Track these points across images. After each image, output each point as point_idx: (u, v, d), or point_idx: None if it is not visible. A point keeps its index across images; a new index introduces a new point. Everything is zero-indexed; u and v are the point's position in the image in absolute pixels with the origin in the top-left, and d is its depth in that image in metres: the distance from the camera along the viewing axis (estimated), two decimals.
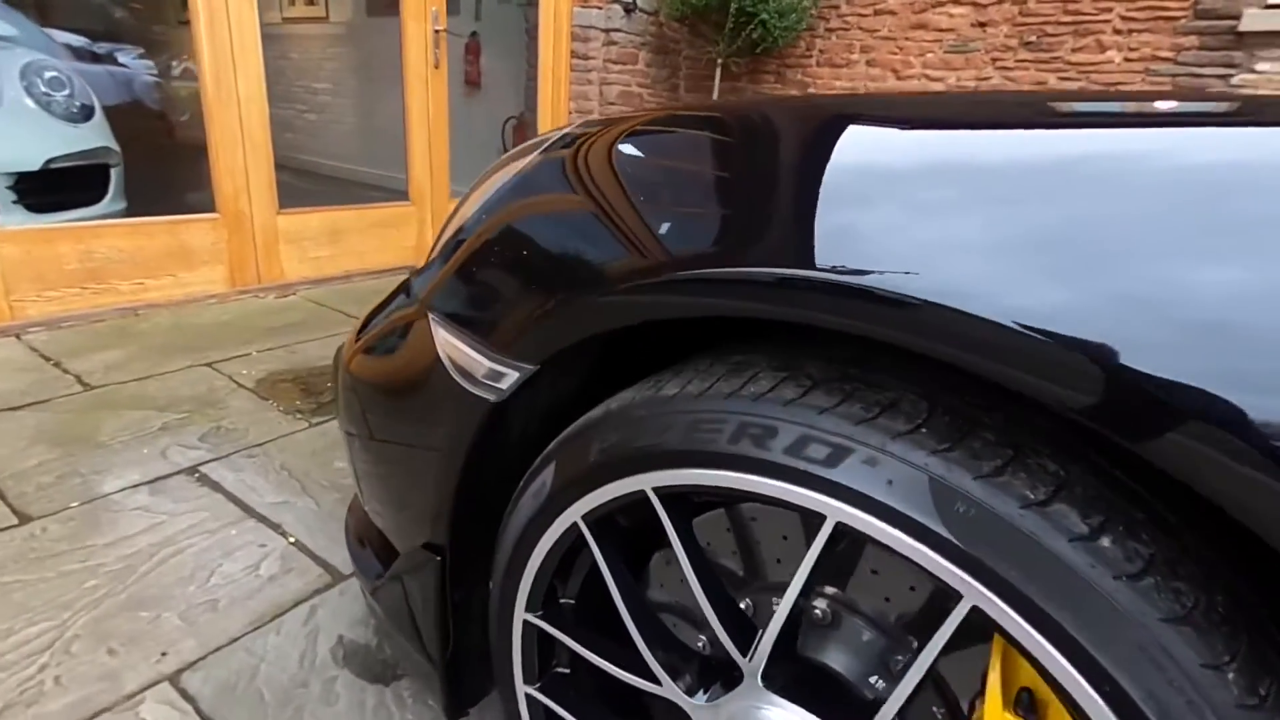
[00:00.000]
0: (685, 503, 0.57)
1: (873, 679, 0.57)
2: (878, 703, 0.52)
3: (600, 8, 3.92)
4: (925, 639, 0.46)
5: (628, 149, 0.60)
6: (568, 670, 0.75)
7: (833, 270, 0.42)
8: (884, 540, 0.44)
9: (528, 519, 0.65)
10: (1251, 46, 2.94)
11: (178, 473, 1.58)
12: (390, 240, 3.42)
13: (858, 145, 0.50)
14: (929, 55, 3.71)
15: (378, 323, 0.90)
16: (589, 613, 0.71)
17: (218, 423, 1.82)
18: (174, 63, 4.33)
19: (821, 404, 0.47)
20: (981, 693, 0.52)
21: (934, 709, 0.53)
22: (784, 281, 0.44)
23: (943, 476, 0.42)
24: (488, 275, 0.66)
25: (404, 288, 0.99)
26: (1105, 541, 0.39)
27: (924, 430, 0.44)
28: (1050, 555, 0.39)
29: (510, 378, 0.63)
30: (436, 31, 3.35)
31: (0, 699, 0.99)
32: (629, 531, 0.64)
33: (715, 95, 4.16)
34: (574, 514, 0.61)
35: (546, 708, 0.73)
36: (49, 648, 1.08)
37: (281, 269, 3.01)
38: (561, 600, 0.70)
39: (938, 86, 3.72)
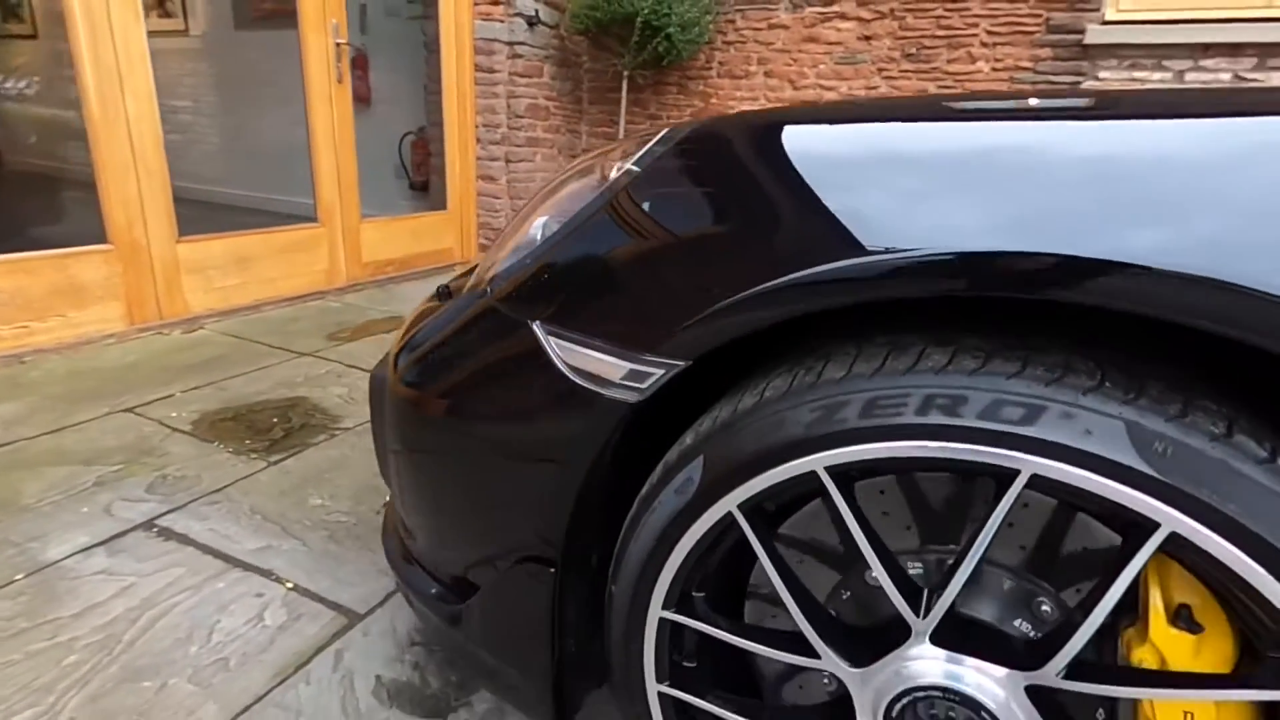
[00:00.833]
0: (847, 479, 0.60)
1: (1017, 622, 0.63)
2: (1037, 643, 0.58)
3: (503, 21, 3.89)
4: (1089, 578, 0.52)
5: (806, 137, 0.62)
6: (694, 663, 0.76)
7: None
8: (1080, 484, 0.50)
9: (670, 515, 0.66)
10: (1095, 57, 3.37)
11: (133, 529, 1.43)
12: (300, 265, 3.22)
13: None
14: (821, 66, 3.96)
15: (430, 338, 0.87)
16: (720, 602, 0.73)
17: (161, 471, 1.66)
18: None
19: (1006, 370, 0.52)
20: (1133, 619, 0.59)
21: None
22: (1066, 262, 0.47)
23: (1138, 421, 0.48)
24: (623, 279, 0.67)
25: (442, 295, 0.96)
26: (1271, 467, 0.46)
27: (1107, 384, 0.50)
28: (1243, 477, 0.46)
29: (653, 376, 0.63)
30: (338, 45, 3.21)
31: None
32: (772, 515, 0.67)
33: (623, 106, 4.23)
34: (727, 504, 0.63)
35: (678, 702, 0.73)
36: None
37: (185, 302, 2.76)
38: (694, 594, 0.72)
39: (831, 95, 3.99)
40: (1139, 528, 0.50)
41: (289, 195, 3.65)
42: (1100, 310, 0.49)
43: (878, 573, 0.59)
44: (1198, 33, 3.15)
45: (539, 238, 0.82)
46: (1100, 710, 0.62)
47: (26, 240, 2.53)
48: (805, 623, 0.64)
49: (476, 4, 3.87)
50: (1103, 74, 3.38)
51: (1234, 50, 3.14)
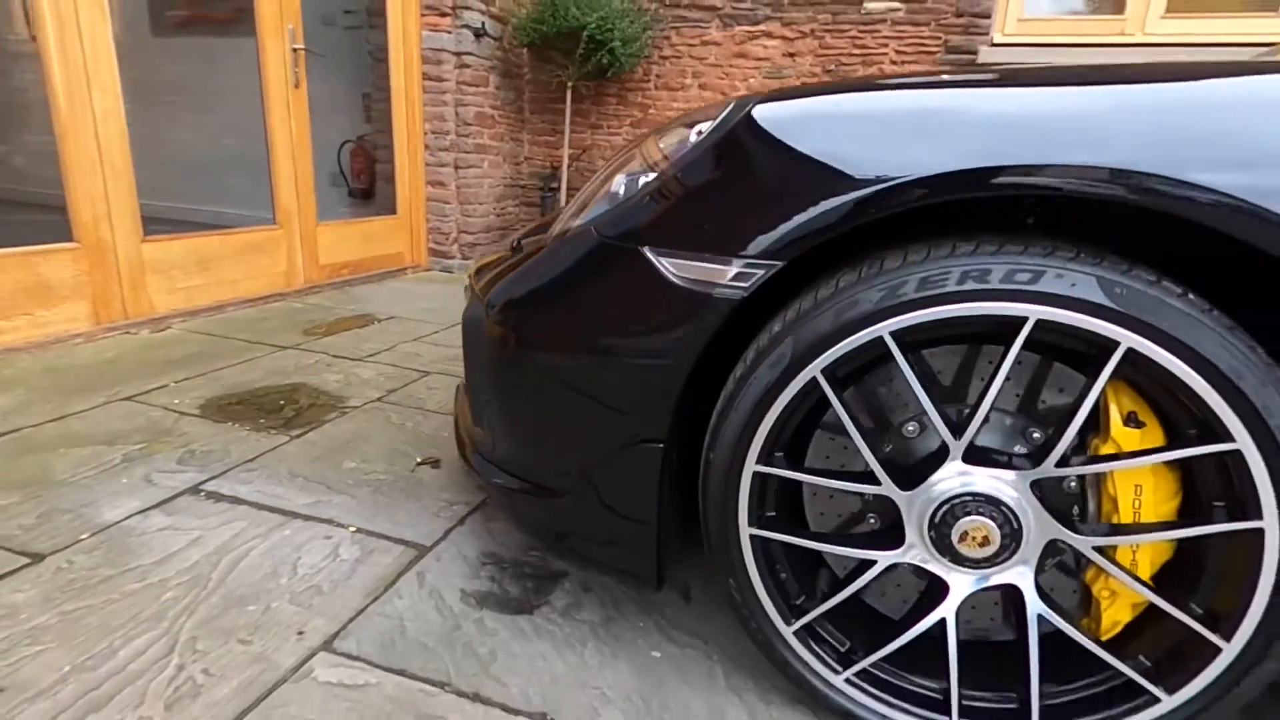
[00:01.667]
0: (901, 343, 0.83)
1: (1017, 447, 0.88)
2: (1043, 447, 0.82)
3: (450, 32, 4.02)
4: (1074, 395, 0.77)
5: (849, 101, 0.85)
6: (774, 512, 0.97)
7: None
8: (1065, 322, 0.74)
9: (766, 386, 0.87)
10: None
11: (180, 494, 1.49)
12: (260, 267, 3.23)
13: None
14: (751, 80, 4.31)
15: (533, 278, 1.04)
16: (794, 455, 0.95)
17: (187, 448, 1.71)
18: None
19: (1015, 250, 0.77)
20: (1095, 430, 0.85)
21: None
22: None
23: (1104, 275, 0.73)
24: (723, 208, 0.87)
25: (515, 249, 1.14)
26: (1190, 296, 0.73)
27: (1082, 255, 0.75)
28: (1169, 306, 0.72)
29: (756, 275, 0.84)
30: (295, 50, 3.26)
31: (157, 701, 0.96)
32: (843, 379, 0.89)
33: (568, 116, 4.44)
34: (812, 370, 0.85)
35: (764, 540, 0.94)
36: (171, 651, 1.05)
37: (150, 302, 2.73)
38: (775, 453, 0.92)
39: None
40: (1105, 350, 0.75)
41: (206, 205, 3.61)
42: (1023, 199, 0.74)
43: (927, 407, 0.82)
44: (1075, 56, 3.68)
45: (621, 193, 1.01)
46: (1070, 482, 0.87)
47: None
48: (871, 457, 0.86)
49: (424, 15, 3.98)
50: None
51: None
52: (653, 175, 0.96)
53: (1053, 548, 0.89)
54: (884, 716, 0.93)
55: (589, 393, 0.98)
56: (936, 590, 0.91)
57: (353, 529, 1.40)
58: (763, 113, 0.87)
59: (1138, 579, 0.82)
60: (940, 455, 0.86)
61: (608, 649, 1.11)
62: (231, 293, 3.09)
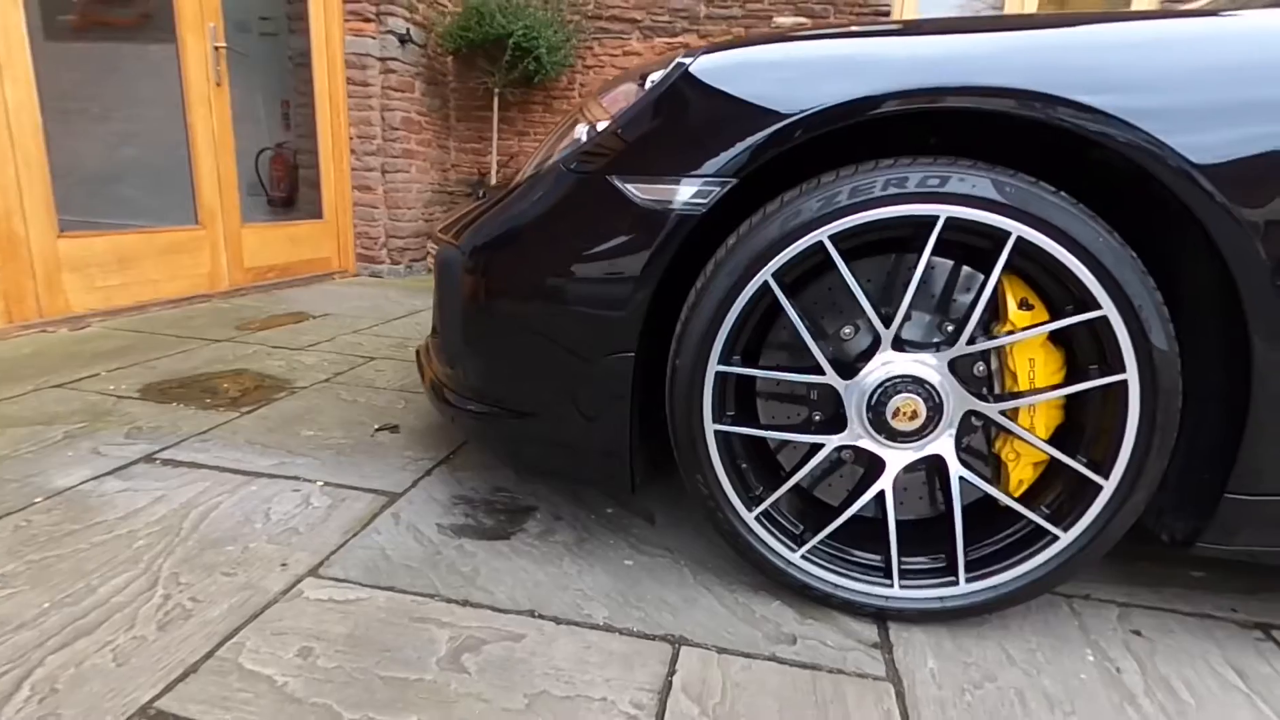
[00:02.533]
0: (838, 248, 0.97)
1: (936, 338, 1.04)
2: (956, 331, 0.98)
3: (374, 37, 4.05)
4: (978, 277, 0.93)
5: (781, 48, 0.99)
6: (734, 411, 1.09)
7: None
8: (968, 218, 0.90)
9: (723, 292, 0.99)
10: None
11: (134, 462, 1.48)
12: (183, 268, 3.14)
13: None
14: None
15: (505, 214, 1.13)
16: (751, 358, 1.07)
17: (133, 424, 1.68)
18: None
19: (926, 163, 0.92)
20: (995, 317, 1.01)
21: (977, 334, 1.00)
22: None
23: (996, 178, 0.90)
24: (681, 136, 0.99)
25: (477, 192, 1.23)
26: (1063, 193, 0.90)
27: (979, 164, 0.91)
28: (1046, 200, 0.89)
29: (712, 194, 0.97)
30: (216, 48, 3.21)
31: (149, 623, 0.97)
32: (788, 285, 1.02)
33: (495, 123, 4.52)
34: (763, 275, 0.98)
35: (727, 435, 1.06)
36: (155, 585, 1.06)
37: (67, 300, 2.62)
38: (734, 355, 1.05)
39: None
40: (999, 242, 0.91)
41: (107, 219, 3.48)
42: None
43: (861, 300, 0.97)
44: None
45: (584, 138, 1.12)
46: (979, 365, 1.03)
47: None
48: (816, 349, 0.99)
49: (347, 20, 3.99)
50: None
51: None
52: (607, 122, 1.07)
53: (968, 425, 1.05)
54: (835, 585, 1.05)
55: (564, 314, 1.08)
56: (874, 471, 1.05)
57: (320, 483, 1.43)
58: (704, 62, 1.00)
59: (1036, 438, 0.98)
60: (873, 348, 1.00)
61: (584, 561, 1.19)
62: (153, 293, 2.99)
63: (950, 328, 1.03)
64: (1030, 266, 0.96)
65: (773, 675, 0.93)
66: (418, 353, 1.58)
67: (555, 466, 1.24)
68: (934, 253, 0.95)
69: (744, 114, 0.96)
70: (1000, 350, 1.01)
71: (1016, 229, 0.90)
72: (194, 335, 2.56)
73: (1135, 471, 0.94)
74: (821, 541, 1.06)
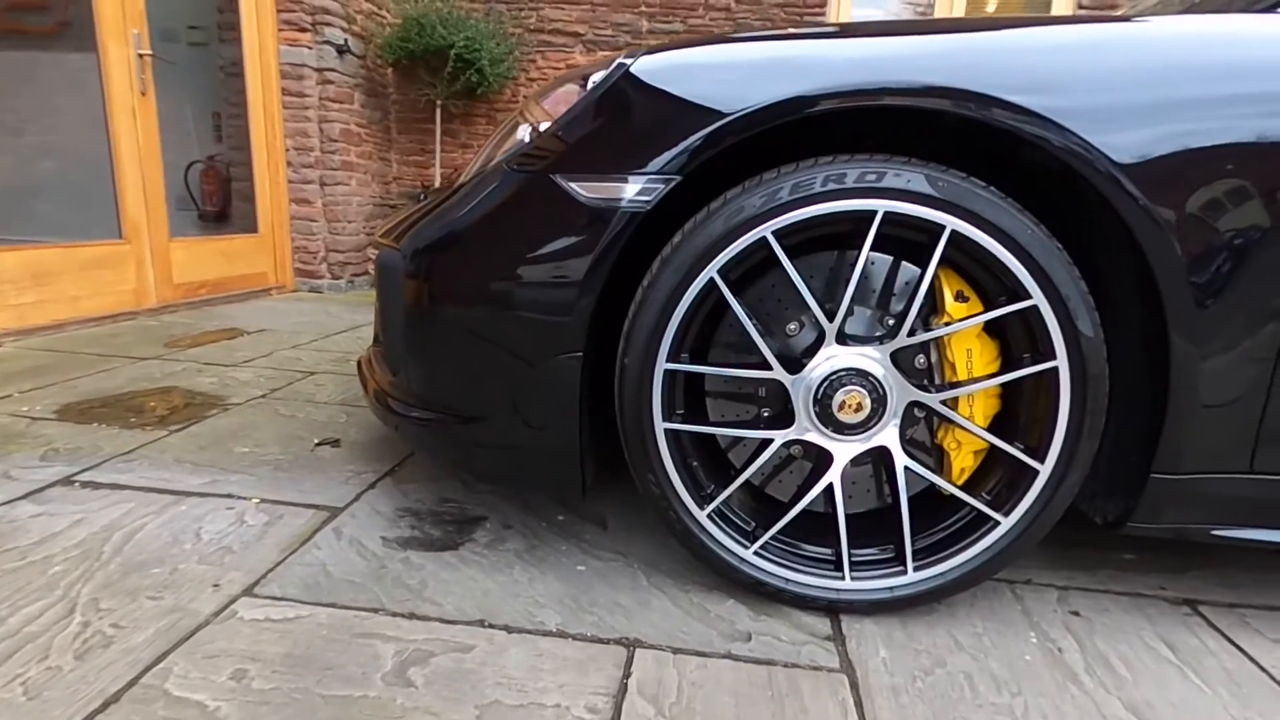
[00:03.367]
0: (782, 245, 0.98)
1: (878, 332, 1.06)
2: (897, 324, 1.00)
3: (310, 47, 3.96)
4: (917, 270, 0.95)
5: (717, 50, 1.00)
6: (683, 410, 1.09)
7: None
8: (904, 212, 0.93)
9: (670, 289, 0.99)
10: None
11: (50, 485, 1.38)
12: (106, 284, 2.98)
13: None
14: None
15: (447, 218, 1.11)
16: (700, 357, 1.07)
17: (49, 446, 1.58)
18: None
19: (863, 158, 0.94)
20: (934, 310, 1.04)
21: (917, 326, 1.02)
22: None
23: (930, 173, 0.92)
24: (623, 135, 0.99)
25: (419, 197, 1.21)
26: (993, 188, 0.93)
27: (912, 161, 0.94)
28: (978, 195, 0.92)
29: (657, 190, 0.97)
30: (141, 56, 3.08)
31: (64, 653, 0.91)
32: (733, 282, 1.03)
33: (438, 135, 4.46)
34: (709, 272, 0.98)
35: (676, 433, 1.05)
36: (72, 612, 0.99)
37: None
38: (682, 354, 1.05)
39: None
40: (934, 236, 0.94)
41: (15, 234, 3.28)
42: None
43: (805, 295, 0.98)
44: None
45: (527, 139, 1.11)
46: (920, 357, 1.06)
47: None
48: (764, 346, 1.00)
49: (282, 30, 3.89)
50: None
51: None
52: (550, 123, 1.06)
53: (911, 416, 1.07)
54: (787, 580, 1.06)
55: (509, 315, 1.06)
56: (823, 465, 1.06)
57: (256, 500, 1.36)
58: (644, 63, 1.01)
59: (976, 426, 1.01)
60: (818, 343, 1.01)
61: (535, 568, 1.17)
62: (72, 311, 2.82)
63: (891, 321, 1.06)
64: (964, 260, 0.99)
65: (728, 673, 0.93)
66: (359, 364, 1.54)
67: (504, 472, 1.21)
68: (874, 248, 0.98)
69: (685, 112, 0.97)
70: (939, 341, 1.04)
71: (950, 223, 0.93)
72: (118, 353, 2.42)
73: (1069, 455, 0.97)
74: (773, 537, 1.07)
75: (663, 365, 1.02)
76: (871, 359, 1.01)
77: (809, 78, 0.93)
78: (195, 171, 4.84)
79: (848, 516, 1.05)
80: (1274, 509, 0.98)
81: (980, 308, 1.01)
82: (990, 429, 1.03)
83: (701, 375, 1.15)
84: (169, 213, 3.55)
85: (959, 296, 1.01)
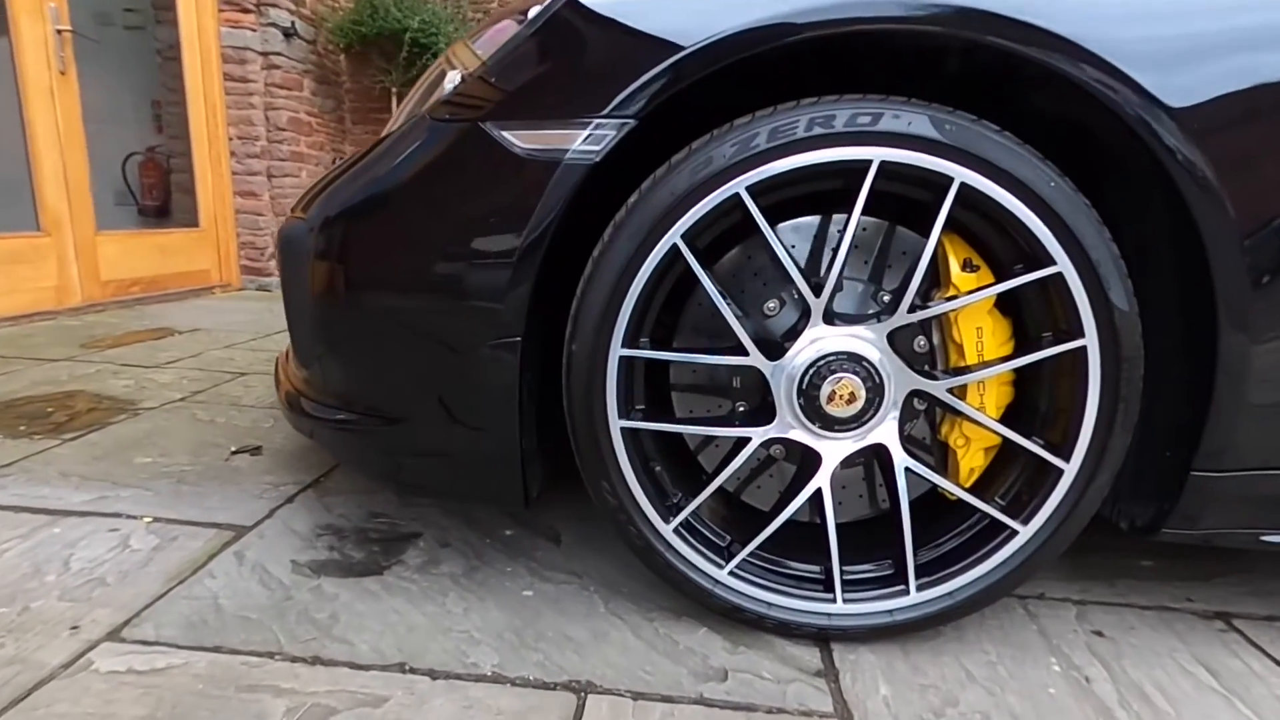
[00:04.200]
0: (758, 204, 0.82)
1: (873, 309, 0.90)
2: (894, 299, 0.85)
3: (254, 29, 3.72)
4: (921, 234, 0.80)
5: None
6: (644, 406, 0.92)
7: None
8: (905, 161, 0.77)
9: (625, 259, 0.82)
10: None
11: None
12: (22, 280, 2.72)
13: None
14: None
15: (361, 181, 0.93)
16: (662, 344, 0.90)
17: None
18: None
19: (854, 97, 0.78)
20: (935, 283, 0.89)
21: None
22: None
23: (934, 114, 0.77)
24: (572, 67, 0.82)
25: (353, 162, 1.03)
26: (1009, 134, 0.78)
27: (914, 100, 0.78)
28: (990, 139, 0.76)
29: (607, 138, 0.80)
30: (59, 32, 2.83)
31: None
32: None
33: None
34: (672, 237, 0.81)
35: (635, 433, 0.88)
36: None
37: None
38: (641, 338, 0.88)
39: None
40: (939, 191, 0.78)
41: None
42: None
43: (789, 268, 0.82)
44: None
45: (449, 88, 0.94)
46: (920, 339, 0.90)
47: None
48: (739, 326, 0.84)
49: (222, 10, 3.65)
50: None
51: None
52: (479, 64, 0.89)
53: (911, 408, 0.91)
54: (770, 604, 0.89)
55: (434, 293, 0.88)
56: (809, 467, 0.90)
57: (148, 519, 1.16)
58: None
59: (989, 419, 0.86)
60: (802, 323, 0.85)
61: (473, 595, 0.99)
62: None
63: (887, 297, 0.90)
64: (974, 221, 0.84)
65: None
66: (277, 362, 1.34)
67: (435, 482, 1.03)
68: (865, 211, 0.82)
69: (639, 44, 0.80)
70: (944, 320, 0.88)
71: (960, 174, 0.77)
72: (25, 355, 2.19)
73: (1099, 451, 0.82)
74: (752, 554, 0.90)
75: (617, 352, 0.85)
76: (865, 341, 0.85)
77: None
78: (134, 164, 4.56)
79: (839, 526, 0.89)
80: None
81: (991, 279, 0.86)
82: (1004, 421, 0.88)
83: (665, 364, 0.99)
84: (98, 204, 3.30)
85: (966, 265, 0.86)
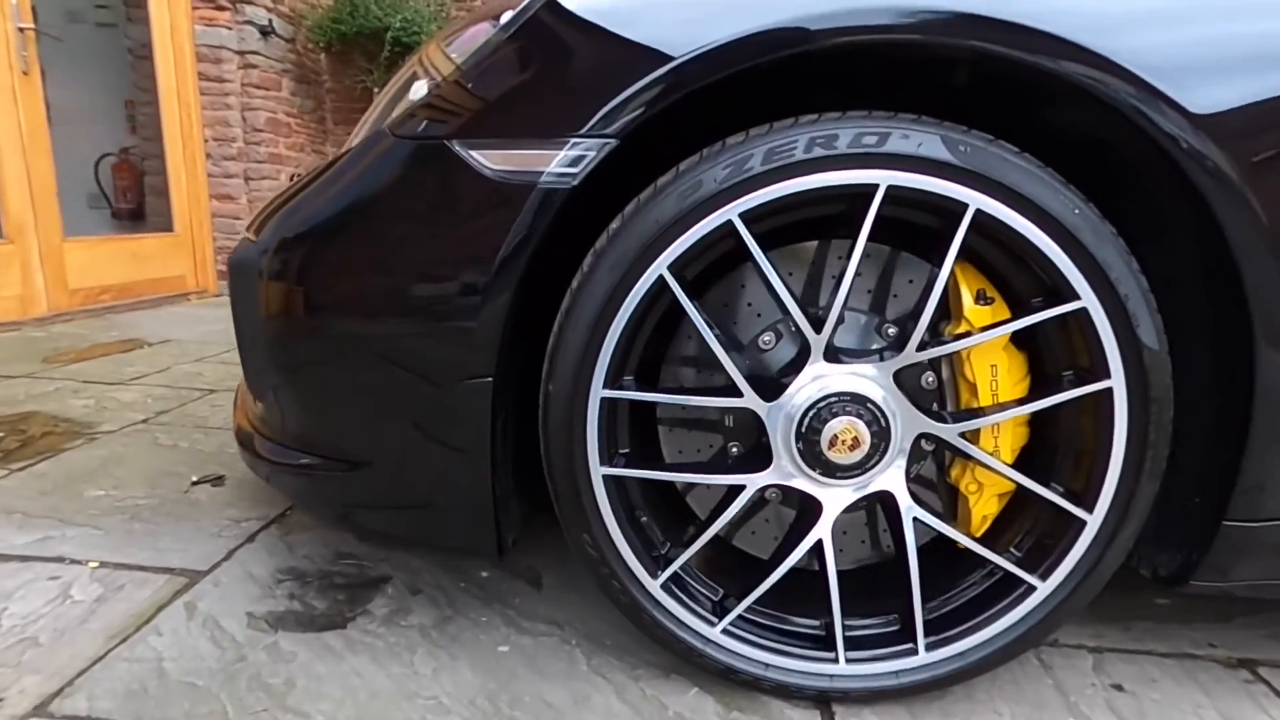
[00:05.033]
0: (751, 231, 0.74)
1: (876, 344, 0.83)
2: (901, 335, 0.77)
3: (230, 28, 3.60)
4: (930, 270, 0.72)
5: None
6: (628, 449, 0.84)
7: None
8: (915, 186, 0.70)
9: (606, 292, 0.74)
10: None
11: None
12: None
13: None
14: None
15: (321, 201, 0.85)
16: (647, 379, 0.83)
17: None
18: None
19: (859, 114, 0.71)
20: (945, 318, 0.81)
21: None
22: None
23: (947, 134, 0.69)
24: (549, 78, 0.74)
25: (307, 182, 0.95)
26: (1029, 157, 0.71)
27: (923, 119, 0.71)
28: (1008, 161, 0.69)
29: (586, 159, 0.72)
30: (21, 30, 2.72)
31: None
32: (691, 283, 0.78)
33: None
34: (658, 268, 0.74)
35: (620, 481, 0.81)
36: None
37: None
38: (624, 376, 0.80)
39: None
40: (951, 218, 0.71)
41: None
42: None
43: (787, 301, 0.74)
44: None
45: (415, 99, 0.86)
46: (929, 375, 0.83)
47: None
48: (730, 363, 0.76)
49: (196, 8, 3.53)
50: None
51: None
52: (449, 72, 0.81)
53: (919, 451, 0.84)
54: (767, 664, 0.82)
55: (395, 331, 0.80)
56: (809, 515, 0.83)
57: (93, 564, 1.07)
58: None
59: (1006, 466, 0.78)
60: (801, 359, 0.78)
61: (444, 652, 0.91)
62: None
63: (892, 329, 0.82)
64: (989, 249, 0.77)
65: None
66: (238, 390, 1.26)
67: (403, 530, 0.95)
68: (870, 236, 0.74)
69: (625, 53, 0.72)
70: (953, 355, 0.81)
71: (975, 200, 0.70)
72: None
73: (1125, 500, 0.75)
74: (748, 609, 0.83)
75: (599, 393, 0.77)
76: (869, 379, 0.77)
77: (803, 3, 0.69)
78: (107, 165, 4.44)
79: (841, 573, 0.82)
80: None
81: (1007, 313, 0.79)
82: (1019, 464, 0.81)
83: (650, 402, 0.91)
84: (68, 209, 3.19)
85: (980, 297, 0.79)
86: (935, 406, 0.83)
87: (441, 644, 0.92)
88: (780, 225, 0.79)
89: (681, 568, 0.83)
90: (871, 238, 0.75)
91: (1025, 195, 0.69)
